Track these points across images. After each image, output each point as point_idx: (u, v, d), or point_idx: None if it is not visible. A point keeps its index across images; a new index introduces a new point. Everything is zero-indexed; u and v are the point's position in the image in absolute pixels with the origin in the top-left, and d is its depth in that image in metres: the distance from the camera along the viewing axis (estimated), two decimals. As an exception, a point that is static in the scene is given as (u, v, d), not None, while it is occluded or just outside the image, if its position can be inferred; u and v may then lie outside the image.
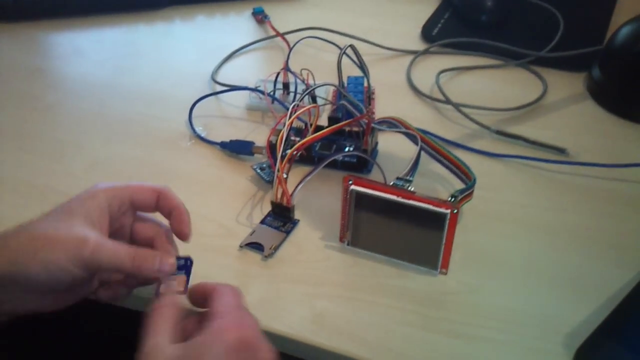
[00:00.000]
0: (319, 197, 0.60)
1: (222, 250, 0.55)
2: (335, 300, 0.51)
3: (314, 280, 0.52)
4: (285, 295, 0.51)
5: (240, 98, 0.73)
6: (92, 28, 0.89)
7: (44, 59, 0.83)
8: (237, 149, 0.65)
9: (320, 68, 0.69)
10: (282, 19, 0.88)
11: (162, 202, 0.49)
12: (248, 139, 0.66)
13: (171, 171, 0.64)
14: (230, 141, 0.65)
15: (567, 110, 0.71)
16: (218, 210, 0.59)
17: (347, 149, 0.63)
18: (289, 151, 0.55)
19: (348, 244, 0.55)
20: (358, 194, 0.51)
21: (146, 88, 0.77)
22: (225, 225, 0.57)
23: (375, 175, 0.61)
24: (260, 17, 0.89)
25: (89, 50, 0.84)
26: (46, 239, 0.43)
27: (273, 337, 0.49)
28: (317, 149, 0.63)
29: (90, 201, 0.46)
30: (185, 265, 0.48)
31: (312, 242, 0.56)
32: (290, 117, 0.56)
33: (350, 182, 0.51)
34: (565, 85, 0.75)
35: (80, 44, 0.86)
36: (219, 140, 0.66)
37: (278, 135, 0.56)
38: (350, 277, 0.53)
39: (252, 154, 0.64)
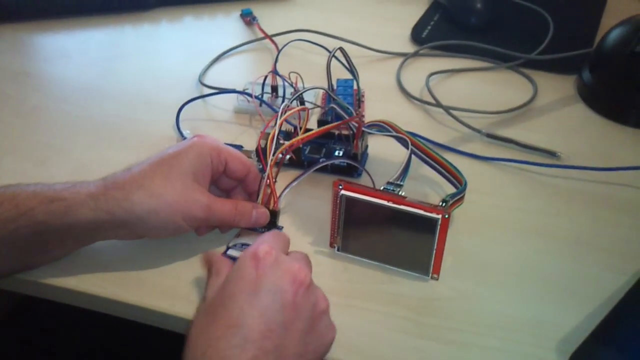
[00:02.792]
0: (308, 202, 0.59)
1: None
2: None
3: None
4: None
5: (228, 101, 0.72)
6: (77, 30, 0.87)
7: (28, 61, 0.82)
8: None
9: (309, 70, 0.68)
10: (270, 20, 0.87)
11: (249, 180, 0.55)
12: (236, 142, 0.65)
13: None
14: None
15: (558, 113, 0.71)
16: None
17: (336, 153, 0.62)
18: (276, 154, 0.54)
19: (338, 250, 0.54)
20: (348, 199, 0.51)
21: (132, 91, 0.75)
22: (214, 230, 0.56)
23: (365, 178, 0.60)
24: (248, 19, 0.88)
25: (74, 53, 0.83)
26: (166, 202, 0.49)
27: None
28: (306, 152, 0.62)
29: (197, 158, 0.51)
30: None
31: (301, 247, 0.55)
32: (279, 118, 0.55)
33: (341, 187, 0.51)
34: (556, 88, 0.75)
35: (65, 46, 0.84)
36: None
37: (267, 139, 0.55)
38: (341, 283, 0.52)
39: None
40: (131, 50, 0.84)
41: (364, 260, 0.53)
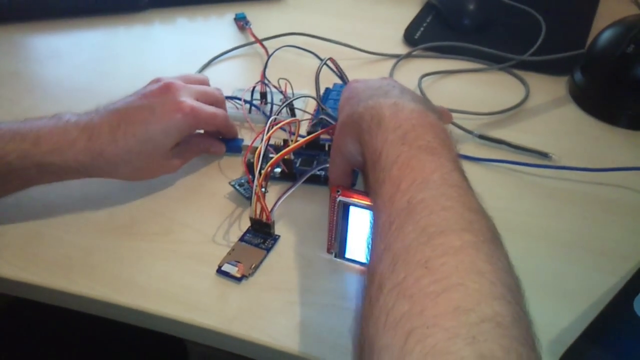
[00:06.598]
0: (302, 214, 0.58)
1: (201, 258, 0.54)
2: (318, 309, 0.50)
3: (296, 289, 0.52)
4: (266, 304, 0.50)
5: (220, 104, 0.71)
6: (70, 31, 0.87)
7: (21, 62, 0.82)
8: (228, 145, 0.64)
9: (301, 73, 0.68)
10: (263, 23, 0.87)
11: (221, 129, 0.63)
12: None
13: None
14: (221, 137, 0.64)
15: (550, 114, 0.71)
16: (197, 218, 0.58)
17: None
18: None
19: (336, 256, 0.54)
20: (346, 204, 0.51)
21: (124, 92, 0.74)
22: (205, 232, 0.56)
23: (361, 185, 0.60)
24: (241, 23, 0.87)
25: (66, 54, 0.83)
26: (146, 174, 0.59)
27: (254, 347, 0.48)
28: (298, 165, 0.61)
29: (178, 134, 0.57)
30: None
31: (299, 253, 0.55)
32: (267, 132, 0.54)
33: (339, 193, 0.51)
34: (548, 89, 0.75)
35: (58, 47, 0.84)
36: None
37: (254, 153, 0.54)
38: (334, 284, 0.52)
39: (240, 150, 0.64)
40: (123, 52, 0.84)
41: (360, 265, 0.53)
